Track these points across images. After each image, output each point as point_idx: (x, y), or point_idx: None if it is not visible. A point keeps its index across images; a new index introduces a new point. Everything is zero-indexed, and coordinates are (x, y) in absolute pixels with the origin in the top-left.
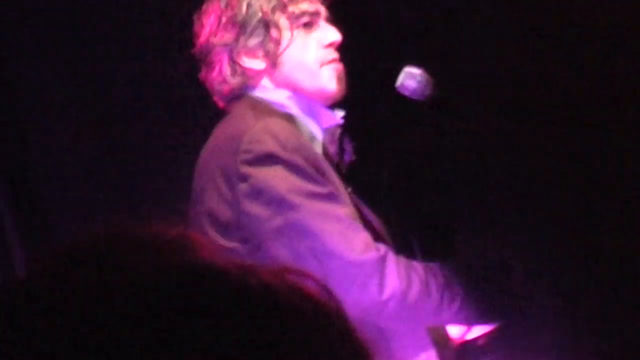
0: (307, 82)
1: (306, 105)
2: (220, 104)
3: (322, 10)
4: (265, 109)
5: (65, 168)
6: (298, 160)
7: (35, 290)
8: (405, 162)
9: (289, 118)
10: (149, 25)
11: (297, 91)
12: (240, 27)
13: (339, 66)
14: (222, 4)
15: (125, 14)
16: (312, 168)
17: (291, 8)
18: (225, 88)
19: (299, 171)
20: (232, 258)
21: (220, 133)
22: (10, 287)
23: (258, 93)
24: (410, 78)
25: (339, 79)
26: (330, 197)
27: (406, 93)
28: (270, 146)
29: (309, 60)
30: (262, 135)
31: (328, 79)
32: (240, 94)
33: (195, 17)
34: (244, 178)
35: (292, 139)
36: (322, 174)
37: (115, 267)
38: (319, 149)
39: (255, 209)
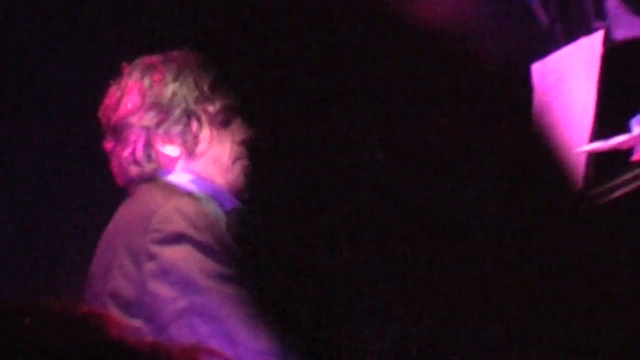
0: (220, 176)
1: (210, 188)
2: (121, 182)
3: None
4: (173, 189)
5: None
6: (208, 239)
7: None
8: None
9: (197, 198)
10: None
11: (203, 178)
12: (165, 112)
13: (247, 161)
14: (146, 83)
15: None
16: (222, 248)
17: (211, 105)
18: (134, 170)
19: (208, 252)
20: (142, 336)
21: (127, 212)
22: None
23: (164, 176)
24: None
25: (245, 174)
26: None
27: None
28: (181, 226)
29: (224, 157)
30: (173, 215)
31: (239, 174)
32: (148, 178)
33: (109, 86)
34: (152, 257)
35: (202, 218)
36: (231, 253)
37: (26, 343)
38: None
39: (160, 289)
